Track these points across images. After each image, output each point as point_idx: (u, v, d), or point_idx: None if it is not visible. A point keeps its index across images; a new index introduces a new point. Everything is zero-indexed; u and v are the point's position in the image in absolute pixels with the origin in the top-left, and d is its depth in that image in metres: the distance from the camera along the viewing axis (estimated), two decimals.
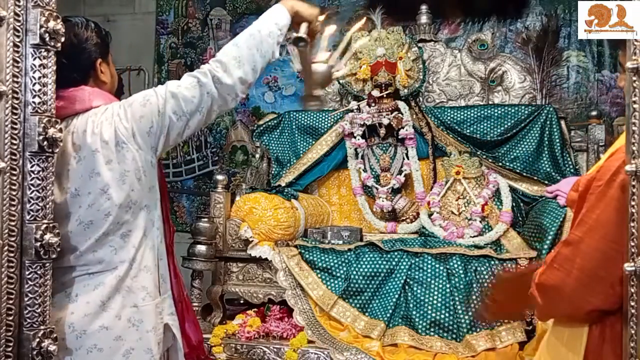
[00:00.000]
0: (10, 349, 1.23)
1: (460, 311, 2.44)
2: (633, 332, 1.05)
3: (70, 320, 1.41)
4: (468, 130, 3.10)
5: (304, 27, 1.58)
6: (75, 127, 1.45)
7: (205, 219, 2.75)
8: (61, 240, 1.39)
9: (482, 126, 3.10)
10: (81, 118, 1.46)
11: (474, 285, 2.49)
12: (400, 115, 3.18)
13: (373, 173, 3.27)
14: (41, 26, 1.26)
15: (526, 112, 3.06)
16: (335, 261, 2.67)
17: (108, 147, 1.41)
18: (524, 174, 2.95)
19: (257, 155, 3.50)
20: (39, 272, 1.27)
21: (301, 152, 3.36)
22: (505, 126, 3.06)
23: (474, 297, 2.46)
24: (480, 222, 2.83)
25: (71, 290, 1.43)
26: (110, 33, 1.62)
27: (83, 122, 1.45)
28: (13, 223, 1.24)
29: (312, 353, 2.44)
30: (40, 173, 1.28)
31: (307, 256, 2.70)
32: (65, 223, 1.42)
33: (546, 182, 2.86)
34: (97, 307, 1.42)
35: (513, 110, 3.08)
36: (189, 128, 1.49)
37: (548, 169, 2.94)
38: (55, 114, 1.40)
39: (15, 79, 1.24)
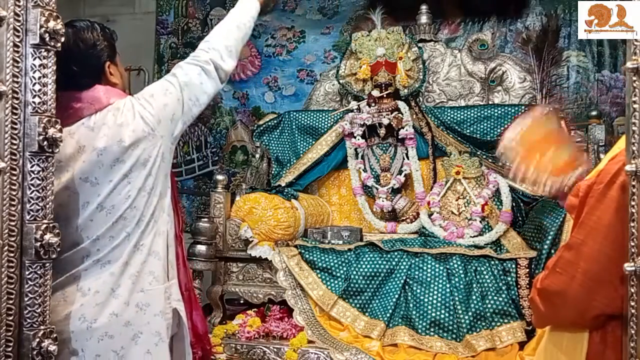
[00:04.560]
0: (10, 349, 1.23)
1: (460, 311, 2.44)
2: (633, 332, 1.05)
3: (82, 311, 1.44)
4: (468, 130, 3.10)
5: None
6: (96, 123, 1.50)
7: (205, 219, 2.75)
8: (76, 229, 1.45)
9: (482, 126, 3.10)
10: (100, 114, 1.51)
11: (474, 285, 2.49)
12: (400, 115, 3.18)
13: (373, 173, 3.27)
14: (41, 26, 1.26)
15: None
16: (335, 261, 2.67)
17: (135, 135, 1.49)
18: None
19: (257, 155, 3.50)
20: (39, 272, 1.27)
21: (301, 152, 3.35)
22: (505, 126, 3.05)
23: (474, 297, 2.47)
24: (480, 222, 2.82)
25: (82, 282, 1.46)
26: (115, 32, 1.65)
27: (103, 117, 1.50)
28: (13, 223, 1.24)
29: (312, 353, 2.44)
30: (40, 173, 1.28)
31: (307, 256, 2.70)
32: (82, 212, 1.47)
33: None
34: (107, 296, 1.46)
35: (513, 110, 3.08)
36: (200, 112, 1.66)
37: None
38: (76, 115, 1.48)
39: (15, 79, 1.24)
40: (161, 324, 1.52)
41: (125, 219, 1.48)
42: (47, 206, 1.30)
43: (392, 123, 3.18)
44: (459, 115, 3.15)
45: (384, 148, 3.28)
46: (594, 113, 3.18)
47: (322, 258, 2.68)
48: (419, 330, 2.45)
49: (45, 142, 1.27)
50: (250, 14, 1.81)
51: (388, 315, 2.51)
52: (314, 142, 3.36)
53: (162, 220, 1.56)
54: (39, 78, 1.28)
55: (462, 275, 2.50)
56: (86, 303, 1.44)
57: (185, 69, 1.62)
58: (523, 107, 3.09)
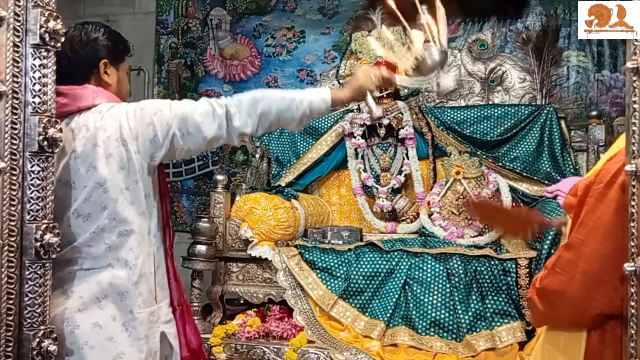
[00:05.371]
0: (10, 349, 1.23)
1: (460, 311, 2.44)
2: (633, 332, 1.05)
3: (65, 315, 1.43)
4: (468, 130, 3.10)
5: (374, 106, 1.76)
6: (77, 124, 1.48)
7: (205, 219, 2.75)
8: (60, 233, 1.40)
9: (482, 126, 3.10)
10: (83, 115, 1.49)
11: (474, 285, 2.49)
12: (400, 115, 3.18)
13: (373, 173, 3.27)
14: (41, 26, 1.27)
15: (526, 112, 3.06)
16: (335, 261, 2.67)
17: (109, 142, 1.44)
18: (524, 174, 2.95)
19: (257, 155, 3.50)
20: (39, 272, 1.28)
21: (301, 152, 3.36)
22: (505, 126, 3.06)
23: (474, 297, 2.47)
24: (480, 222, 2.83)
25: (67, 286, 1.45)
26: (132, 47, 1.64)
27: (85, 118, 1.48)
28: (13, 223, 1.24)
29: (312, 353, 2.44)
30: (40, 173, 1.28)
31: (307, 256, 2.70)
32: (62, 216, 1.44)
33: (546, 182, 2.86)
34: (91, 304, 1.44)
35: (513, 110, 3.08)
36: (189, 150, 1.54)
37: (548, 169, 2.94)
38: (58, 110, 1.43)
39: (15, 79, 1.25)
40: (145, 348, 1.49)
41: (104, 230, 1.45)
42: (47, 206, 1.30)
43: (392, 123, 3.18)
44: (459, 115, 3.15)
45: (384, 148, 3.28)
46: (594, 113, 3.18)
47: (322, 258, 2.68)
48: (419, 330, 2.45)
49: (45, 142, 1.28)
50: (308, 99, 1.60)
51: (388, 315, 2.51)
52: (314, 142, 3.36)
53: (149, 242, 1.53)
54: (39, 78, 1.28)
55: (462, 275, 2.50)
56: (70, 307, 1.43)
57: (199, 103, 1.54)
58: (523, 107, 3.10)
